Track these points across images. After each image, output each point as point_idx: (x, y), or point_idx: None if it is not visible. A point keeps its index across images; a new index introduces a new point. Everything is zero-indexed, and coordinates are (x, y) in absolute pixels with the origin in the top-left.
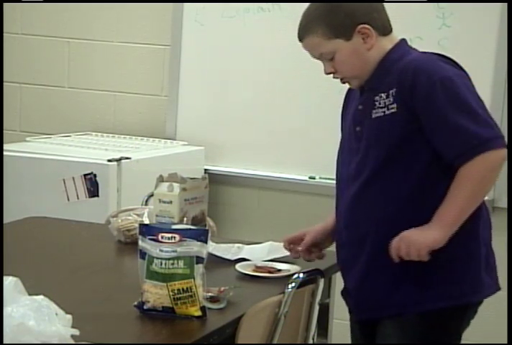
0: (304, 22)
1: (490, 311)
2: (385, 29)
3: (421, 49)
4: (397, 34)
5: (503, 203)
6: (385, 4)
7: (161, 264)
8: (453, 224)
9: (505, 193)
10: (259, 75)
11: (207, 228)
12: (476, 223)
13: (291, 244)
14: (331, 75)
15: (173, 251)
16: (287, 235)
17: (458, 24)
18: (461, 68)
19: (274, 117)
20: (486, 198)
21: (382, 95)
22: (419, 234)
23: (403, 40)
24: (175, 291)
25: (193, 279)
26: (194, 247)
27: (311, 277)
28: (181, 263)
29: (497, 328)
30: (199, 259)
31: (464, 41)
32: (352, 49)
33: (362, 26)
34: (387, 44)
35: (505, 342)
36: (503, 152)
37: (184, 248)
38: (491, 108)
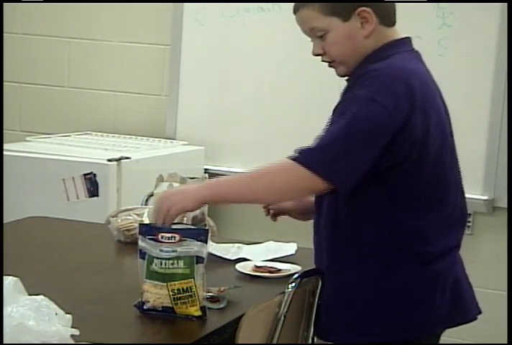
0: None
1: (490, 311)
2: (388, 20)
3: (421, 49)
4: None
5: (503, 203)
6: None
7: (161, 264)
8: (216, 194)
9: (505, 193)
10: (259, 75)
11: (207, 228)
12: (402, 261)
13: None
14: (320, 59)
15: (173, 251)
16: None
17: (458, 24)
18: (414, 97)
19: (274, 117)
20: (486, 197)
21: (345, 95)
22: (180, 192)
23: (405, 39)
24: (175, 291)
25: (193, 279)
26: (194, 247)
27: (311, 277)
28: (181, 263)
29: (497, 328)
30: (199, 259)
31: (464, 41)
32: (347, 31)
33: (362, 8)
34: (387, 36)
35: (505, 342)
36: (322, 184)
37: (184, 248)
38: (491, 109)
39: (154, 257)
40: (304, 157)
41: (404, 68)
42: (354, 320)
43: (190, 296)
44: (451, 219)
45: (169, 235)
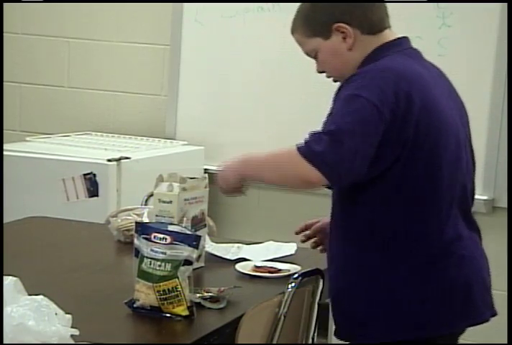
0: (293, 20)
1: None
2: (372, 28)
3: (421, 49)
4: (397, 34)
5: (503, 203)
6: (385, 4)
7: (150, 263)
8: (246, 170)
9: (505, 193)
10: (259, 75)
11: (207, 228)
12: (409, 261)
13: (306, 229)
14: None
15: (162, 253)
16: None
17: (458, 24)
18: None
19: (274, 117)
20: (486, 197)
21: (334, 98)
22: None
23: (397, 40)
24: (161, 292)
25: (177, 279)
26: (184, 252)
27: (311, 277)
28: (168, 266)
29: (498, 328)
30: (187, 262)
31: (464, 41)
32: (331, 48)
33: (337, 24)
34: (374, 43)
35: (505, 342)
36: (314, 174)
37: (174, 251)
38: (491, 109)
39: (144, 256)
40: (303, 146)
41: (389, 68)
42: (365, 320)
43: (176, 296)
44: (448, 213)
45: (161, 236)
